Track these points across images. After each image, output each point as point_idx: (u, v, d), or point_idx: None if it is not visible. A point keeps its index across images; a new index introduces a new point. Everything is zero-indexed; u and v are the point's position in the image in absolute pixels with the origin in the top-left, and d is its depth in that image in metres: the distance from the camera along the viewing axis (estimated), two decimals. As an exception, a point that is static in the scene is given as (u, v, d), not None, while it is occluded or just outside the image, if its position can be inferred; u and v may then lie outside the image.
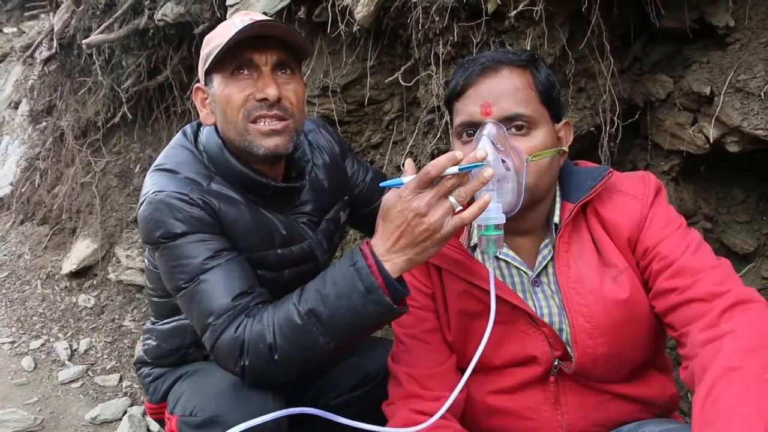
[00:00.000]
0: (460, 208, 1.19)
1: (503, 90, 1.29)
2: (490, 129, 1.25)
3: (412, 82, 2.39)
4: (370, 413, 1.36)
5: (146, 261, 1.78)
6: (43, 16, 6.15)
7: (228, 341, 1.35)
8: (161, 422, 1.84)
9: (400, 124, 2.64)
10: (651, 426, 1.35)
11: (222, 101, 1.48)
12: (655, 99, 2.13)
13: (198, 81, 1.61)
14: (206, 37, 1.53)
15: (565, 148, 1.38)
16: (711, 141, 1.91)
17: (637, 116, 2.16)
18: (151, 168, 1.60)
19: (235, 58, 1.45)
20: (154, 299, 1.78)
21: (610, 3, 2.01)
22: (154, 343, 1.80)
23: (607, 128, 2.04)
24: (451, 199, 1.17)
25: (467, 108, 1.31)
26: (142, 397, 2.89)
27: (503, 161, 1.24)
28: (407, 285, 1.30)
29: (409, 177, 1.20)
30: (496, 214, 1.20)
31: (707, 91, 1.92)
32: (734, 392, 1.02)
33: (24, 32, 7.34)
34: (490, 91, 1.29)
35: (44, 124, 4.98)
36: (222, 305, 1.37)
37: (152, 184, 1.52)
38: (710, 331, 1.14)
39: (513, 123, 1.28)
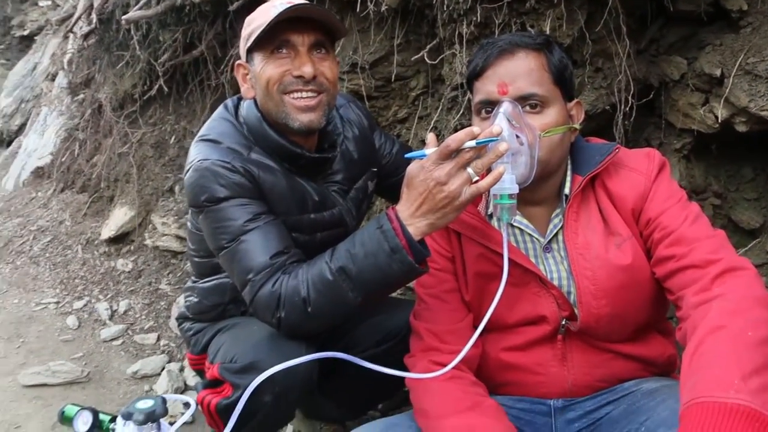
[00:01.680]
0: (477, 178, 1.29)
1: (519, 71, 1.39)
2: (506, 107, 1.36)
3: (437, 60, 2.48)
4: (394, 366, 1.45)
5: (189, 224, 1.91)
6: (78, -11, 6.29)
7: (266, 295, 1.48)
8: (201, 373, 1.98)
9: (425, 100, 2.74)
10: (650, 383, 1.46)
11: (262, 77, 1.61)
12: (669, 80, 2.21)
13: (239, 58, 1.74)
14: (247, 18, 1.65)
15: (576, 126, 1.48)
16: (720, 121, 2.01)
17: (651, 96, 2.25)
18: (196, 138, 1.72)
19: (274, 38, 1.57)
20: (196, 259, 1.92)
21: (627, -15, 2.10)
22: (195, 300, 1.94)
23: (622, 107, 2.14)
24: (469, 170, 1.28)
25: (486, 87, 1.42)
26: (179, 355, 3.08)
27: (517, 137, 1.34)
28: (428, 247, 1.42)
29: (431, 149, 1.31)
30: (509, 185, 1.30)
31: (718, 72, 2.00)
32: (718, 347, 1.13)
33: (58, 5, 7.50)
34: (507, 72, 1.39)
35: (82, 96, 5.11)
36: (261, 263, 1.50)
37: (197, 153, 1.65)
38: (703, 295, 1.24)
39: (527, 101, 1.39)
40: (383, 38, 2.69)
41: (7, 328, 3.45)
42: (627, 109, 2.15)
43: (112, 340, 3.29)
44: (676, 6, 2.10)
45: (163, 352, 3.13)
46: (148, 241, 4.00)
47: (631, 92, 2.15)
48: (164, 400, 1.31)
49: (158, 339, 3.25)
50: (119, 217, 4.22)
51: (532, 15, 2.11)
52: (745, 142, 2.19)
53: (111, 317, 3.52)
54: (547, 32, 2.05)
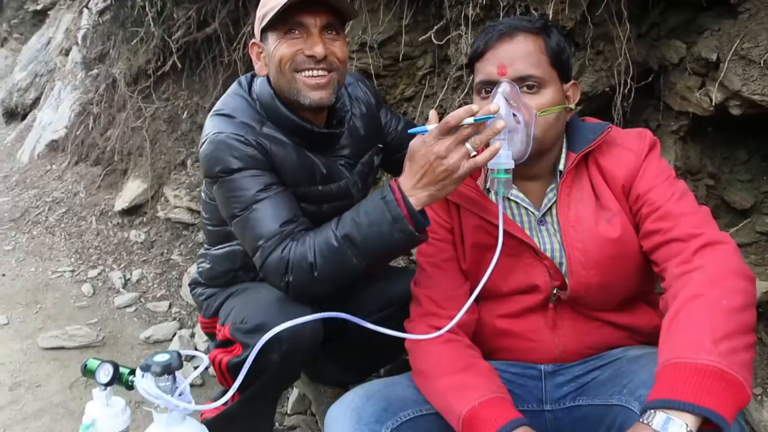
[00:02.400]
0: (475, 153, 1.36)
1: (517, 53, 1.46)
2: (504, 87, 1.43)
3: (444, 41, 2.54)
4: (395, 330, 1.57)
5: (203, 194, 1.99)
6: (91, -35, 6.32)
7: (275, 260, 1.57)
8: (211, 336, 2.06)
9: (432, 79, 2.81)
10: (635, 350, 1.54)
11: (275, 56, 1.68)
12: (668, 63, 2.27)
13: (252, 35, 1.81)
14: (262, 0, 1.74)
15: (572, 106, 1.55)
16: (714, 104, 2.07)
17: (651, 79, 2.31)
18: (211, 113, 1.80)
19: (288, 20, 1.64)
20: (209, 228, 2.01)
21: (629, -29, 2.15)
22: (207, 266, 2.03)
23: (621, 89, 2.21)
24: (468, 145, 1.36)
25: (486, 68, 1.49)
26: (189, 322, 3.20)
27: (514, 115, 1.41)
28: (429, 218, 1.50)
29: (432, 125, 1.39)
30: (506, 160, 1.38)
31: (714, 57, 2.06)
32: (695, 314, 1.21)
33: (72, -20, 7.55)
34: (506, 54, 1.46)
35: (96, 71, 5.19)
36: (271, 230, 1.59)
37: (212, 126, 1.73)
38: (684, 266, 1.32)
39: (525, 82, 1.46)
40: (392, 19, 2.75)
41: (25, 295, 3.58)
42: (626, 91, 2.22)
43: (126, 307, 3.41)
44: (676, -10, 2.16)
45: (174, 319, 3.25)
46: (160, 213, 4.10)
47: (631, 75, 2.21)
48: (180, 355, 1.40)
49: (170, 307, 3.37)
50: (132, 189, 4.32)
51: (536, -2, 2.18)
52: (741, 125, 2.26)
53: (124, 285, 3.64)
54: (550, 15, 2.12)
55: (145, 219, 4.23)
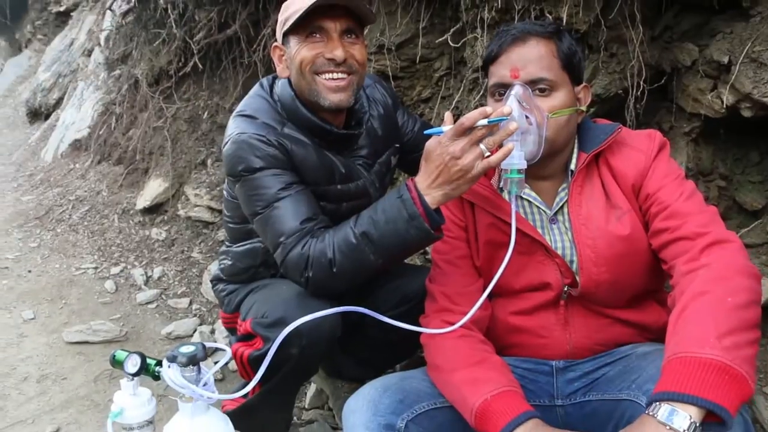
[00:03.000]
0: (488, 153, 1.41)
1: (530, 57, 1.51)
2: (517, 90, 1.47)
3: (460, 43, 2.59)
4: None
5: (225, 192, 2.05)
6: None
7: (296, 256, 1.62)
8: (232, 331, 2.13)
9: (448, 81, 2.84)
10: (644, 347, 1.57)
11: (296, 59, 1.74)
12: (681, 66, 2.30)
13: (272, 37, 1.87)
14: (284, 3, 1.78)
15: (583, 108, 1.59)
16: (726, 106, 2.10)
17: (663, 81, 2.34)
18: (234, 114, 1.86)
19: (309, 24, 1.70)
20: (231, 225, 2.07)
21: (642, -25, 2.18)
22: (229, 263, 2.09)
23: (634, 91, 2.24)
24: (482, 146, 1.40)
25: (499, 71, 1.54)
26: (209, 318, 3.26)
27: (527, 117, 1.46)
28: (444, 216, 1.54)
29: (448, 126, 1.44)
30: (518, 160, 1.43)
31: (726, 60, 2.09)
32: (700, 311, 1.25)
33: (95, -18, 7.66)
34: (519, 57, 1.51)
35: (119, 71, 5.28)
36: (292, 227, 1.64)
37: (235, 127, 1.79)
38: (691, 264, 1.36)
39: (537, 85, 1.50)
40: (409, 21, 2.80)
41: (50, 291, 3.67)
42: (639, 93, 2.25)
43: (148, 303, 3.49)
44: (689, -6, 2.19)
45: (195, 315, 3.32)
46: (181, 212, 4.17)
47: (644, 77, 2.24)
48: (204, 347, 1.45)
49: (190, 303, 3.44)
50: (154, 188, 4.39)
51: (550, 1, 2.21)
52: (753, 127, 2.28)
53: (146, 282, 3.71)
54: (564, 19, 2.16)
55: (166, 217, 4.30)
